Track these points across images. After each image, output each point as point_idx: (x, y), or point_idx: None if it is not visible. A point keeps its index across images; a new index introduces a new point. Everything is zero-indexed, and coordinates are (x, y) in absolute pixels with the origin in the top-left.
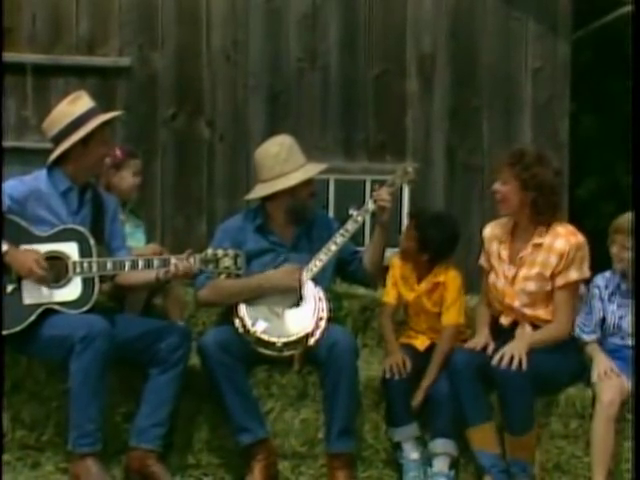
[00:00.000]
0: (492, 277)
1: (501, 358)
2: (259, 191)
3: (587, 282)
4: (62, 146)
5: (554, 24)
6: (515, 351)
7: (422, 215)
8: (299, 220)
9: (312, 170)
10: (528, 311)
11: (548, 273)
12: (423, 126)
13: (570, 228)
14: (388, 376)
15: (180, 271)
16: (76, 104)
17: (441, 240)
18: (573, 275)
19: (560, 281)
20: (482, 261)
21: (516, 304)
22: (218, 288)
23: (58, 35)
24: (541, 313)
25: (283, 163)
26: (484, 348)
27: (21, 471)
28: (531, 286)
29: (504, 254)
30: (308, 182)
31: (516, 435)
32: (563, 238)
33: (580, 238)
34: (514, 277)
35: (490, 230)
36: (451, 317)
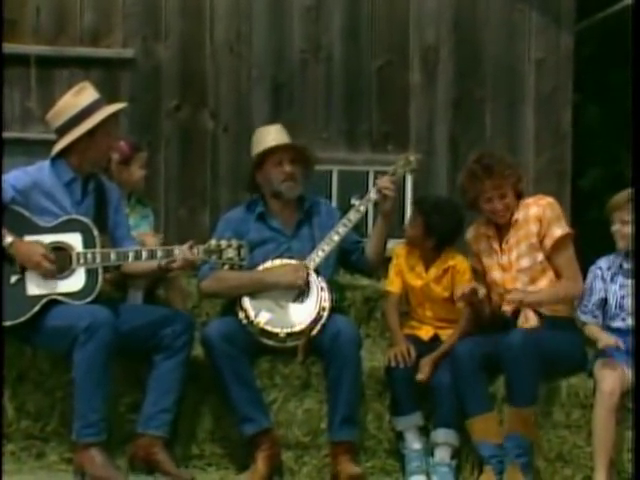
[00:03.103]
0: (488, 276)
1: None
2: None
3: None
4: (67, 138)
5: (557, 15)
6: (522, 295)
7: (426, 201)
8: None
9: (281, 139)
10: (531, 288)
11: (535, 241)
12: (426, 117)
13: (537, 195)
14: (393, 364)
15: (183, 261)
16: (81, 95)
17: (446, 225)
18: (557, 232)
19: (548, 242)
20: (474, 263)
21: (518, 285)
22: (221, 279)
23: (62, 27)
24: (543, 284)
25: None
26: (487, 339)
27: (25, 461)
28: (525, 262)
29: (496, 246)
30: (278, 161)
31: (517, 406)
32: (533, 205)
33: (549, 199)
34: (509, 262)
35: (474, 231)
36: None
